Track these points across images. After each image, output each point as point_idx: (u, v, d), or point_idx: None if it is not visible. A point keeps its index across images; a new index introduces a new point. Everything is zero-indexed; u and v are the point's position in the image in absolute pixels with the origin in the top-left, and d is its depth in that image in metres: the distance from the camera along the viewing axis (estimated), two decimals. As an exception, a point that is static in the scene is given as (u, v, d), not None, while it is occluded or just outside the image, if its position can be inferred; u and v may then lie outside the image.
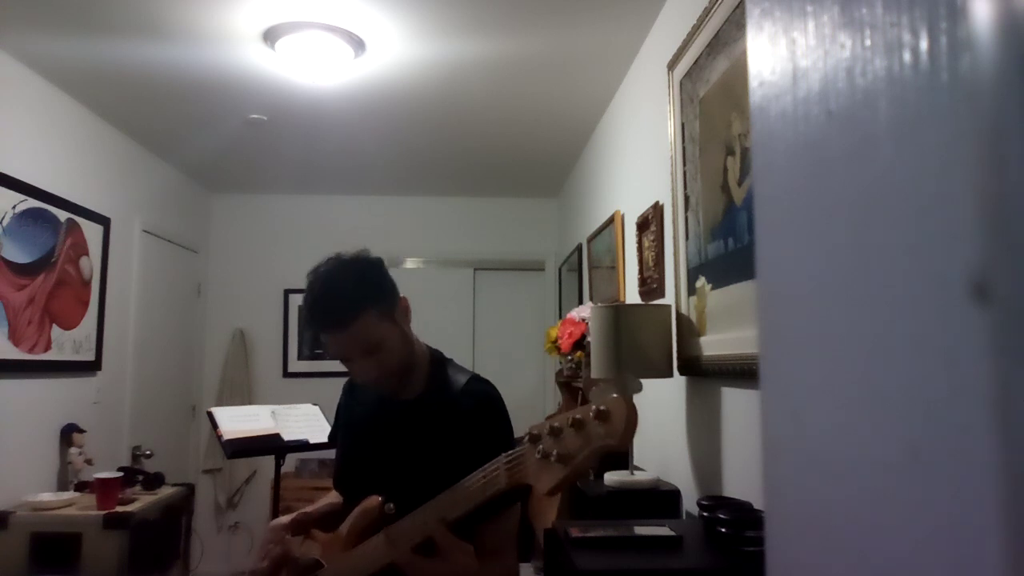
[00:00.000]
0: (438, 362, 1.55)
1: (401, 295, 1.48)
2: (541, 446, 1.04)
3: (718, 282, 1.92)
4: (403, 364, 1.45)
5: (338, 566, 1.37)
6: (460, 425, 1.41)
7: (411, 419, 1.47)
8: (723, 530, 1.51)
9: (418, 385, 1.50)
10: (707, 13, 2.00)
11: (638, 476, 2.16)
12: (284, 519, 1.51)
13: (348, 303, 1.36)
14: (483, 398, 1.47)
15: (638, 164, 2.94)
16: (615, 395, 0.98)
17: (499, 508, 1.36)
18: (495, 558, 1.39)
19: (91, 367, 3.56)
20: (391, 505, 1.29)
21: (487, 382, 1.52)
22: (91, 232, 3.54)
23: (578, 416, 1.01)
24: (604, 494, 2.09)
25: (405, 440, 1.46)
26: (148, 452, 3.83)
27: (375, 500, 1.33)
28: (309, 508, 1.58)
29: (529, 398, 5.03)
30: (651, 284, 2.61)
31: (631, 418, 0.96)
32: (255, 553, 1.50)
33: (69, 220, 3.34)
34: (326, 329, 1.39)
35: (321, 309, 1.38)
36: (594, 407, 0.99)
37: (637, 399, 2.95)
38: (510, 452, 1.11)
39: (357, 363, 1.41)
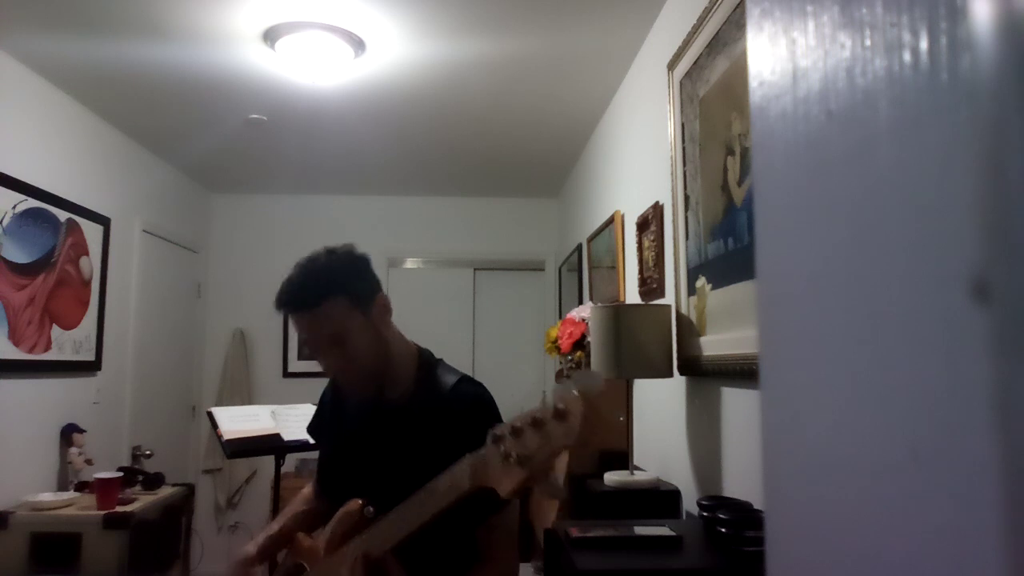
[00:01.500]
0: (427, 363, 1.50)
1: (381, 293, 1.44)
2: (503, 447, 1.00)
3: (718, 282, 1.92)
4: (375, 363, 1.41)
5: (319, 570, 1.36)
6: (449, 427, 1.36)
7: (398, 420, 1.44)
8: (723, 530, 1.50)
9: (405, 386, 1.46)
10: (707, 13, 2.00)
11: (638, 476, 2.16)
12: (250, 549, 1.48)
13: (316, 286, 1.36)
14: (474, 400, 1.42)
15: (638, 164, 2.94)
16: (575, 392, 0.93)
17: (492, 508, 1.33)
18: (493, 561, 1.37)
19: (91, 367, 3.56)
20: (371, 509, 1.27)
21: (478, 383, 1.47)
22: (91, 232, 3.54)
23: (538, 415, 0.96)
24: (604, 494, 2.09)
25: (392, 441, 1.43)
26: (148, 452, 3.83)
27: (356, 504, 1.31)
28: (274, 528, 1.54)
29: (529, 398, 5.03)
30: (651, 284, 2.61)
31: (589, 417, 0.91)
32: None
33: (69, 220, 3.34)
34: (292, 310, 1.37)
35: (289, 289, 1.37)
36: (553, 406, 0.95)
37: (638, 398, 2.91)
38: (474, 453, 1.06)
39: (322, 353, 1.39)
